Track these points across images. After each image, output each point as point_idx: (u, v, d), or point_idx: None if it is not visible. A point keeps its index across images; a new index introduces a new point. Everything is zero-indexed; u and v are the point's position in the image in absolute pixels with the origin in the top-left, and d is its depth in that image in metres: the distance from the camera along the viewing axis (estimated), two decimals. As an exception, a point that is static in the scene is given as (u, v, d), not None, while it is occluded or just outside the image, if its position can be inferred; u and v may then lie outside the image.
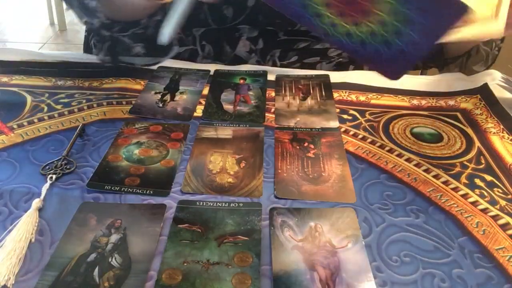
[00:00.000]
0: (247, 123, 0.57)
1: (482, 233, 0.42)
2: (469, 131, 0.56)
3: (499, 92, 0.63)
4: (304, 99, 0.62)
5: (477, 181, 0.48)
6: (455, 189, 0.47)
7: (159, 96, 0.62)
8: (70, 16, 3.04)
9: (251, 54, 0.73)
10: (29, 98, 0.60)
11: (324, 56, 0.74)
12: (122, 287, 0.36)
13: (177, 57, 0.72)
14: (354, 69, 0.77)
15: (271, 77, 0.68)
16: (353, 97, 0.63)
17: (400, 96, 0.64)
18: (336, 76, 0.68)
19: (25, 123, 0.55)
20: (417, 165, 0.50)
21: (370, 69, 0.69)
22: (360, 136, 0.55)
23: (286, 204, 0.44)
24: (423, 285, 0.37)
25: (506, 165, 0.50)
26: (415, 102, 0.62)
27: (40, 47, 2.67)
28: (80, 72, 0.67)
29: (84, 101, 0.60)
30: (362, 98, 0.63)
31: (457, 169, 0.50)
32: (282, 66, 0.74)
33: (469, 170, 0.49)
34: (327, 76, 0.68)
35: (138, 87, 0.65)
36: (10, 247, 0.38)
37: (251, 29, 0.71)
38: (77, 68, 0.68)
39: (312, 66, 0.75)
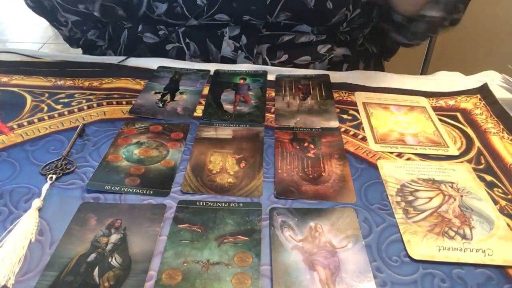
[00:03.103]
0: (247, 123, 0.57)
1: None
2: (469, 131, 0.56)
3: (499, 92, 0.63)
4: (304, 99, 0.63)
5: (477, 181, 0.48)
6: (455, 189, 0.47)
7: (159, 96, 0.62)
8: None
9: (237, 52, 0.73)
10: (29, 98, 0.60)
11: (314, 55, 0.74)
12: (122, 287, 0.36)
13: (164, 54, 0.74)
14: (348, 68, 0.76)
15: (271, 77, 0.68)
16: (353, 97, 0.63)
17: (400, 96, 0.64)
18: (336, 76, 0.68)
19: (25, 123, 0.55)
20: (417, 165, 0.50)
21: None
22: (360, 136, 0.55)
23: (286, 204, 0.44)
24: (423, 285, 0.37)
25: (506, 165, 0.50)
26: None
27: (40, 47, 2.67)
28: (80, 72, 0.68)
29: (84, 101, 0.60)
30: (362, 98, 0.63)
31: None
32: (273, 65, 0.74)
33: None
34: (327, 76, 0.68)
35: (138, 87, 0.65)
36: (10, 247, 0.38)
37: (232, 27, 0.71)
38: (77, 68, 0.69)
39: (304, 67, 0.74)
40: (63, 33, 0.83)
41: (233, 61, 0.74)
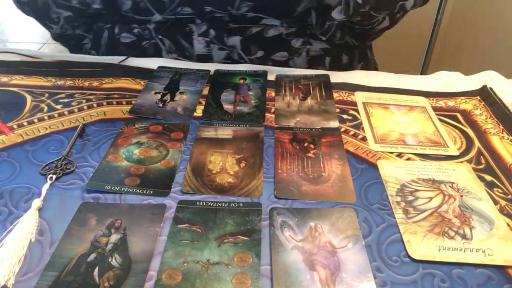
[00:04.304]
0: (247, 123, 0.57)
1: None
2: (469, 131, 0.56)
3: (501, 93, 0.63)
4: (304, 99, 0.63)
5: (477, 181, 0.48)
6: (455, 189, 0.47)
7: (159, 96, 0.62)
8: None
9: (209, 46, 0.73)
10: (29, 98, 0.60)
11: (290, 50, 0.73)
12: (122, 287, 0.36)
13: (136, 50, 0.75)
14: (330, 61, 0.75)
15: (271, 77, 0.68)
16: (353, 97, 0.63)
17: (400, 96, 0.64)
18: (336, 76, 0.68)
19: (25, 123, 0.55)
20: (417, 165, 0.50)
21: None
22: (360, 136, 0.55)
23: (286, 204, 0.44)
24: (423, 285, 0.37)
25: (506, 165, 0.50)
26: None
27: (40, 47, 2.67)
28: (80, 72, 0.68)
29: (84, 101, 0.60)
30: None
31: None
32: (250, 61, 0.74)
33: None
34: (327, 76, 0.68)
35: (138, 87, 0.65)
36: (10, 247, 0.38)
37: (199, 25, 0.72)
38: (77, 68, 0.69)
39: (284, 64, 0.74)
40: (54, 31, 0.83)
41: (209, 56, 0.74)
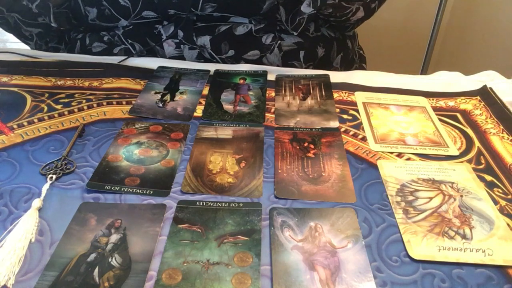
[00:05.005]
0: (247, 123, 0.57)
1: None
2: (469, 131, 0.56)
3: (501, 93, 0.63)
4: (304, 99, 0.63)
5: (477, 181, 0.48)
6: (455, 189, 0.47)
7: (159, 96, 0.62)
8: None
9: (180, 47, 0.73)
10: (29, 98, 0.60)
11: (261, 47, 0.73)
12: (122, 287, 0.36)
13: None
14: (305, 55, 0.75)
15: (271, 77, 0.68)
16: (353, 97, 0.63)
17: (400, 96, 0.64)
18: (336, 76, 0.68)
19: (25, 123, 0.55)
20: (417, 165, 0.50)
21: None
22: (360, 136, 0.55)
23: (286, 204, 0.44)
24: (423, 285, 0.37)
25: (506, 165, 0.50)
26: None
27: (40, 47, 2.66)
28: (80, 72, 0.68)
29: (84, 101, 0.60)
30: (362, 98, 0.63)
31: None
32: (222, 61, 0.74)
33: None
34: (327, 76, 0.68)
35: (138, 87, 0.65)
36: (10, 247, 0.38)
37: (167, 27, 0.72)
38: (77, 68, 0.69)
39: (257, 62, 0.74)
40: (31, 47, 0.85)
41: (181, 57, 0.74)
